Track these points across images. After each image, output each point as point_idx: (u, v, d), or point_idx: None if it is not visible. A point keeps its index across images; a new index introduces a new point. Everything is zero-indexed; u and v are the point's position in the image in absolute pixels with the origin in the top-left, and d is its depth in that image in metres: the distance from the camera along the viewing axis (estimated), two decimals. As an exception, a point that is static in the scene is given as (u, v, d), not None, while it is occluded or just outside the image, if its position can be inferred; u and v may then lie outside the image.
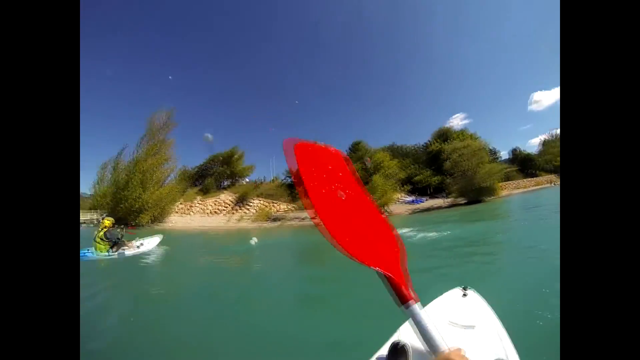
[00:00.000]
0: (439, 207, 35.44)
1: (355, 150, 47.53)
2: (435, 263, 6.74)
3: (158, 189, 32.46)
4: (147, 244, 10.88)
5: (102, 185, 35.57)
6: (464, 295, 2.08)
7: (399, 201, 40.13)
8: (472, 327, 1.69)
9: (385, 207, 34.07)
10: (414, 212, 33.26)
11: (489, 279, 5.32)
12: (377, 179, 35.37)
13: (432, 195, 44.35)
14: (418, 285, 1.18)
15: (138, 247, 10.39)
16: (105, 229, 9.58)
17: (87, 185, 38.02)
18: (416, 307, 1.09)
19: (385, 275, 1.12)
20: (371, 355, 1.44)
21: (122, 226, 11.62)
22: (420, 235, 11.29)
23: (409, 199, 42.43)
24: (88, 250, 9.42)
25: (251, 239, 12.81)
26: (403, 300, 1.09)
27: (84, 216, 36.08)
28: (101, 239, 9.41)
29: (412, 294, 1.11)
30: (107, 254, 9.36)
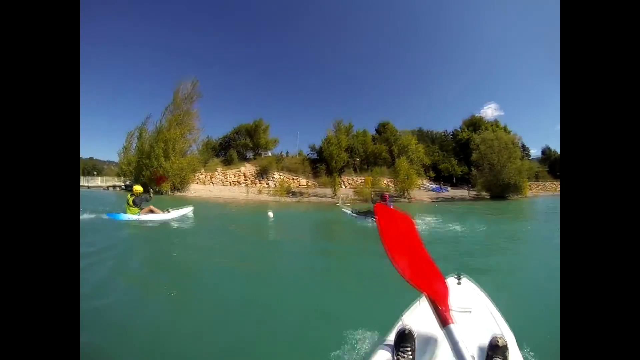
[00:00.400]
0: (462, 198, 34.48)
1: (382, 131, 46.42)
2: (459, 261, 6.20)
3: (179, 158, 32.38)
4: (176, 212, 11.24)
5: (128, 153, 36.54)
6: (459, 283, 2.25)
7: (422, 187, 39.02)
8: (469, 310, 1.88)
9: (407, 192, 33.06)
10: (437, 200, 32.27)
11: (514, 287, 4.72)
12: (401, 162, 34.29)
13: (456, 186, 43.12)
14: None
15: (168, 211, 10.94)
16: (134, 196, 10.43)
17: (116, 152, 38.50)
18: (453, 329, 1.38)
19: (433, 301, 1.50)
20: (375, 340, 1.90)
21: (150, 191, 12.31)
22: (444, 226, 10.64)
23: (433, 186, 41.19)
24: (121, 214, 10.29)
25: (268, 213, 12.64)
26: (445, 322, 1.42)
27: (109, 182, 38.58)
28: (130, 204, 10.28)
29: (451, 319, 1.43)
30: (136, 217, 10.13)
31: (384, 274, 3.47)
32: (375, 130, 48.70)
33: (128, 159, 36.17)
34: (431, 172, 40.74)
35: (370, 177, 36.44)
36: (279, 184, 37.22)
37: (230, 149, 46.44)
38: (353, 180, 39.74)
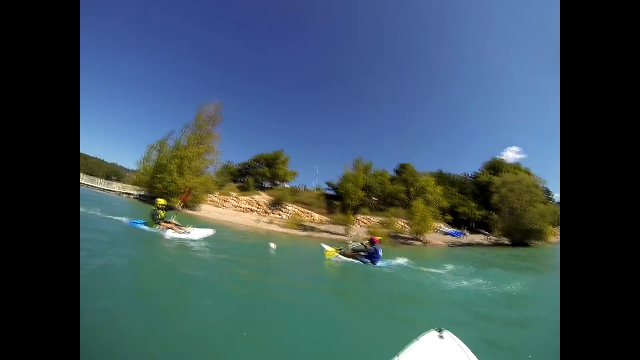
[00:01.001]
0: (480, 244, 33.06)
1: (401, 172, 45.86)
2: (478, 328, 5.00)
3: (193, 177, 32.81)
4: (196, 233, 11.06)
5: (147, 164, 37.13)
6: (440, 337, 2.07)
7: (438, 230, 37.63)
8: None
9: (422, 235, 31.76)
10: (453, 245, 30.99)
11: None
12: (417, 203, 33.17)
13: (474, 230, 41.46)
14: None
15: (187, 232, 10.81)
16: (153, 208, 10.81)
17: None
18: None
19: None
20: None
21: (175, 208, 12.17)
22: (464, 281, 9.12)
23: (449, 230, 39.65)
24: (144, 222, 10.75)
25: (270, 244, 12.21)
26: None
27: (125, 189, 40.74)
28: (151, 217, 10.61)
29: None
30: (154, 229, 10.36)
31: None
32: (395, 170, 48.23)
33: (145, 169, 36.88)
34: (448, 215, 39.31)
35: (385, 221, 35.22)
36: (291, 216, 36.89)
37: (248, 176, 46.96)
38: (368, 219, 38.82)
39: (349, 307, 5.42)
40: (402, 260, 11.76)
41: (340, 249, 11.83)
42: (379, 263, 10.78)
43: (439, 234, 37.14)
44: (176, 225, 10.83)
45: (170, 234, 10.37)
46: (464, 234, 38.08)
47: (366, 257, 10.82)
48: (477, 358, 1.83)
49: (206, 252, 9.46)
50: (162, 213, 10.81)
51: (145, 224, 10.57)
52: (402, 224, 35.17)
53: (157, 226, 10.47)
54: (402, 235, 32.96)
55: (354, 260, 10.91)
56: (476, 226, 42.64)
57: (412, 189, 39.91)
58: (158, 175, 32.81)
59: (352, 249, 11.68)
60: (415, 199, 35.17)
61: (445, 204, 39.41)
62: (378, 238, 11.83)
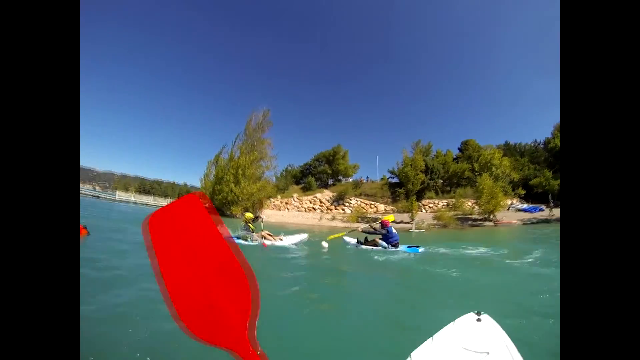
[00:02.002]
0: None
1: (464, 149, 43.64)
2: None
3: (249, 184, 33.76)
4: (289, 239, 11.30)
5: (207, 179, 38.69)
6: (478, 320, 2.03)
7: (510, 208, 34.75)
8: (487, 353, 1.69)
9: (492, 214, 29.54)
10: (529, 222, 27.86)
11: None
12: (483, 179, 30.64)
13: (554, 204, 35.92)
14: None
15: (281, 239, 11.07)
16: (242, 223, 11.05)
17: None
18: None
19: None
20: None
21: (259, 218, 12.93)
22: (544, 267, 7.50)
23: (524, 206, 35.83)
24: (236, 236, 10.66)
25: (322, 243, 11.78)
26: None
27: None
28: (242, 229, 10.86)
29: None
30: (249, 241, 10.52)
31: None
32: (458, 149, 45.95)
33: (206, 184, 38.41)
34: (520, 189, 36.36)
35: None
36: (355, 210, 36.42)
37: (309, 176, 47.32)
38: (434, 203, 37.27)
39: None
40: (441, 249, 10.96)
41: (347, 234, 12.00)
42: (402, 247, 10.36)
43: (513, 211, 34.12)
44: (269, 234, 11.15)
45: (267, 241, 10.73)
46: (541, 209, 33.82)
47: (382, 239, 10.53)
48: (514, 344, 1.76)
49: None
50: (252, 226, 11.12)
51: (238, 237, 10.72)
52: (471, 204, 33.23)
53: (251, 238, 10.73)
54: (471, 216, 31.24)
55: (373, 247, 10.54)
56: (555, 198, 38.10)
57: (476, 164, 37.55)
58: (217, 187, 34.67)
59: (362, 230, 11.57)
60: (480, 175, 32.79)
61: (515, 176, 36.58)
62: (390, 220, 11.32)
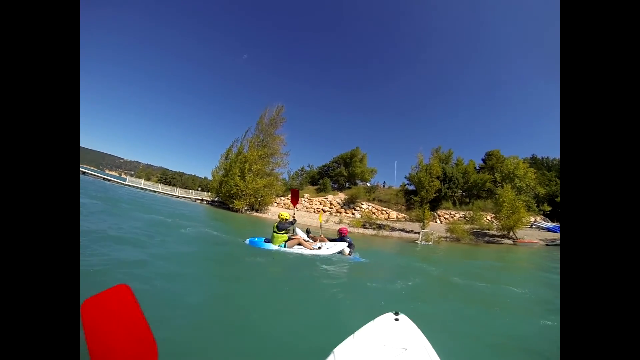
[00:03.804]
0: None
1: (487, 160, 40.83)
2: None
3: (255, 179, 33.01)
4: (329, 248, 9.15)
5: (217, 173, 38.81)
6: (396, 319, 2.15)
7: (533, 225, 31.85)
8: (405, 349, 1.78)
9: (512, 231, 26.71)
10: (552, 243, 25.07)
11: None
12: (505, 191, 27.82)
13: None
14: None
15: (319, 247, 9.14)
16: (280, 220, 9.24)
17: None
18: None
19: None
20: None
21: (293, 214, 10.40)
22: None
23: (548, 224, 32.51)
24: (264, 239, 9.14)
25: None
26: None
27: (197, 195, 43.39)
28: (275, 230, 9.01)
29: None
30: (278, 247, 8.80)
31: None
32: (482, 160, 43.13)
33: (215, 177, 38.64)
34: (546, 205, 33.27)
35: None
36: (364, 215, 34.88)
37: (324, 177, 46.53)
38: (450, 215, 34.72)
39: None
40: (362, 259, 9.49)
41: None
42: (338, 246, 9.30)
43: (535, 229, 31.15)
44: (303, 242, 9.23)
45: (299, 251, 8.84)
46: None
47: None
48: (429, 342, 1.88)
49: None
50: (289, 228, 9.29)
51: (267, 240, 9.09)
52: (490, 218, 30.51)
53: (285, 243, 8.93)
54: (489, 232, 28.48)
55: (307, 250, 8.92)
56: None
57: (498, 174, 34.80)
58: (224, 179, 34.24)
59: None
60: (502, 186, 29.89)
61: (541, 191, 33.61)
62: (345, 228, 10.21)
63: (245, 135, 37.75)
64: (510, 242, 25.65)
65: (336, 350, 1.72)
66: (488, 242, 25.65)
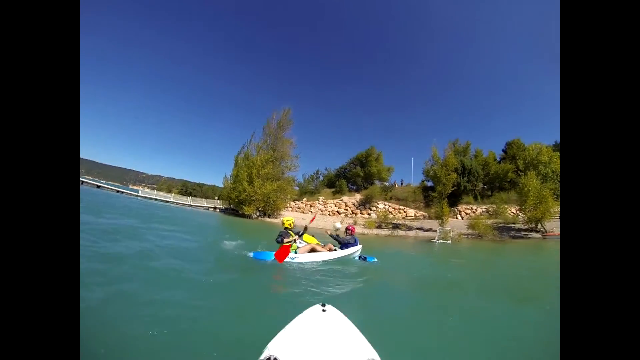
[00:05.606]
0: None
1: (508, 149, 38.24)
2: None
3: (263, 183, 32.31)
4: (342, 251, 8.44)
5: (227, 180, 37.77)
6: (324, 310, 2.19)
7: None
8: (335, 336, 1.83)
9: (540, 223, 24.27)
10: None
11: None
12: (529, 179, 25.19)
13: None
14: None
15: (334, 249, 8.42)
16: (283, 230, 8.04)
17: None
18: None
19: None
20: None
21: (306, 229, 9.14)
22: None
23: None
24: (271, 253, 7.66)
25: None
26: None
27: (210, 204, 43.08)
28: (276, 241, 7.77)
29: None
30: (291, 259, 7.62)
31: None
32: (502, 150, 40.47)
33: (227, 185, 37.79)
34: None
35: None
36: (380, 215, 33.25)
37: (340, 179, 45.83)
38: (472, 209, 32.42)
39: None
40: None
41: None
42: (356, 253, 8.78)
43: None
44: (317, 247, 8.22)
45: (311, 258, 7.78)
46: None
47: (340, 247, 8.60)
48: (357, 328, 1.92)
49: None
50: (293, 234, 8.06)
51: (271, 254, 7.72)
52: (515, 211, 28.01)
53: (295, 250, 7.82)
54: (514, 225, 26.01)
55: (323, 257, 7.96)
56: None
57: (520, 162, 32.32)
58: (232, 185, 33.90)
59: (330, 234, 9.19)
60: (525, 174, 27.04)
61: (570, 178, 30.78)
62: (352, 226, 9.47)
63: (251, 139, 37.27)
64: (538, 235, 23.34)
65: (270, 345, 1.72)
66: (514, 237, 23.36)
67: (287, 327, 1.92)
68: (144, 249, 6.67)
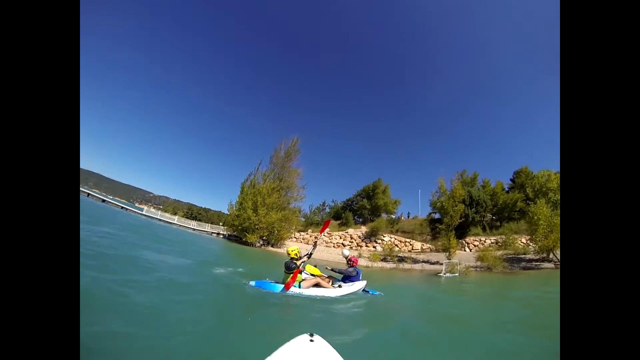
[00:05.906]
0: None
1: (516, 178, 38.06)
2: None
3: (268, 212, 32.28)
4: (349, 287, 8.25)
5: (232, 207, 37.60)
6: (311, 340, 2.13)
7: None
8: None
9: (553, 253, 23.40)
10: None
11: None
12: (539, 207, 24.25)
13: None
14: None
15: (339, 286, 8.23)
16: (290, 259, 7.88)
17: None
18: None
19: None
20: None
21: (315, 244, 9.76)
22: None
23: None
24: (272, 283, 7.56)
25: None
26: None
27: (213, 229, 42.76)
28: (285, 272, 7.69)
29: None
30: (296, 291, 7.44)
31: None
32: (510, 180, 40.26)
33: (232, 212, 37.49)
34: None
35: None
36: (386, 247, 32.74)
37: (346, 211, 45.58)
38: (480, 241, 31.83)
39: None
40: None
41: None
42: (358, 285, 8.52)
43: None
44: (322, 282, 8.02)
45: (316, 292, 7.57)
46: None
47: (342, 280, 8.57)
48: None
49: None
50: (299, 263, 7.84)
51: (278, 282, 7.73)
52: (525, 241, 27.49)
53: (299, 283, 7.64)
54: (525, 256, 25.45)
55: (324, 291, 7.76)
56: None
57: (529, 190, 31.90)
58: (237, 212, 33.74)
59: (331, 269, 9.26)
60: (535, 202, 26.22)
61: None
62: (355, 257, 9.41)
63: (258, 168, 37.25)
64: (551, 265, 22.57)
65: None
66: (525, 268, 22.68)
67: (274, 355, 1.86)
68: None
